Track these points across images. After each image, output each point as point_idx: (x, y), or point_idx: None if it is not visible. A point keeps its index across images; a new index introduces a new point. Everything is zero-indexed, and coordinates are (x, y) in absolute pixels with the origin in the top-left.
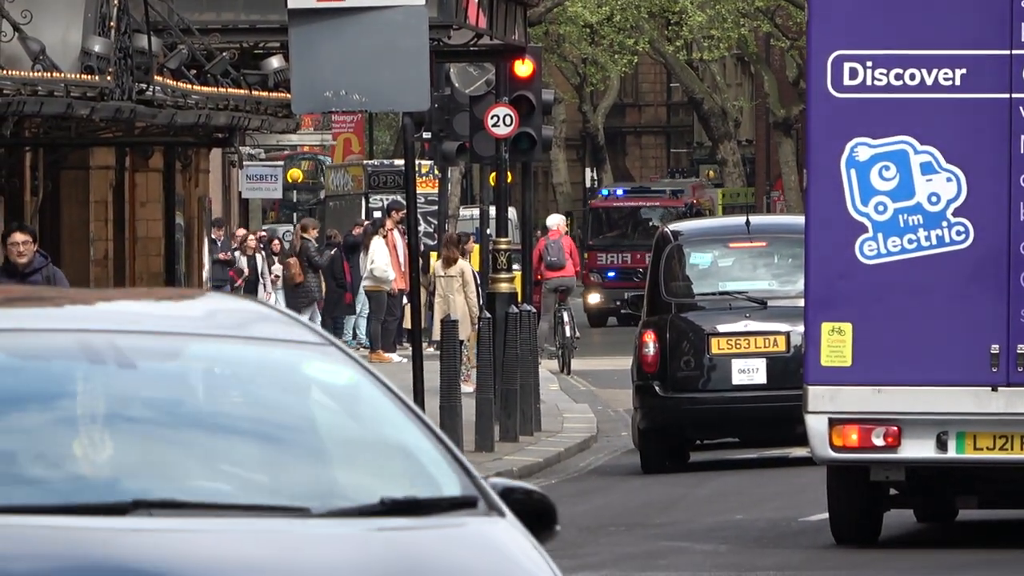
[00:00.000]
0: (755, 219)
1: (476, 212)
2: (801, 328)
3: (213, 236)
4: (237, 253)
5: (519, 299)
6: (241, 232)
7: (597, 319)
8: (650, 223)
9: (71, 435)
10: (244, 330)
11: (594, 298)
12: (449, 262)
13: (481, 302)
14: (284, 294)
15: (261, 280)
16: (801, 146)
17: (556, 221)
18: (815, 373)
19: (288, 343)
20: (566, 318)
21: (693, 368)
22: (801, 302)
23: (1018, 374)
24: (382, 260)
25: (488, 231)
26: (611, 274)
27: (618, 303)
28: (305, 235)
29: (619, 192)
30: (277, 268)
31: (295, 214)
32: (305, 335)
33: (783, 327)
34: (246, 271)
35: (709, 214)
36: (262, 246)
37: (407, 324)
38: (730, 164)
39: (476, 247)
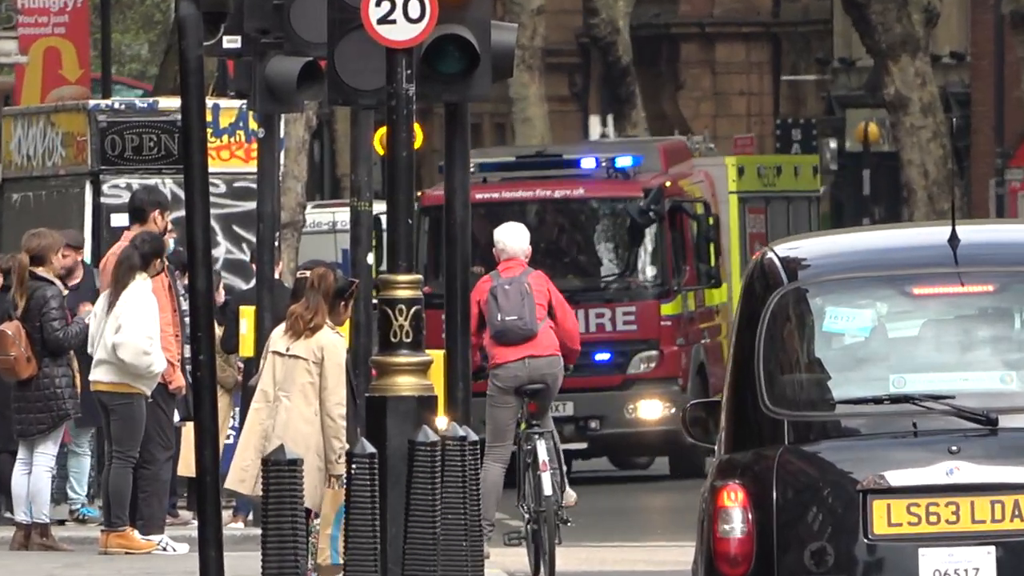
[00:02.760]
0: (968, 232)
1: (342, 216)
2: None
3: None
4: None
5: (439, 410)
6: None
7: None
8: (572, 240)
9: None
10: None
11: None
12: (302, 328)
13: (356, 423)
14: None
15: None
16: None
17: (514, 239)
18: None
19: None
20: (543, 454)
21: (832, 567)
22: None
23: None
24: (140, 327)
25: (369, 259)
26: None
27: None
28: (41, 269)
29: (487, 169)
30: None
31: None
32: None
33: None
34: None
35: (705, 216)
36: None
37: (185, 468)
38: (915, 107)
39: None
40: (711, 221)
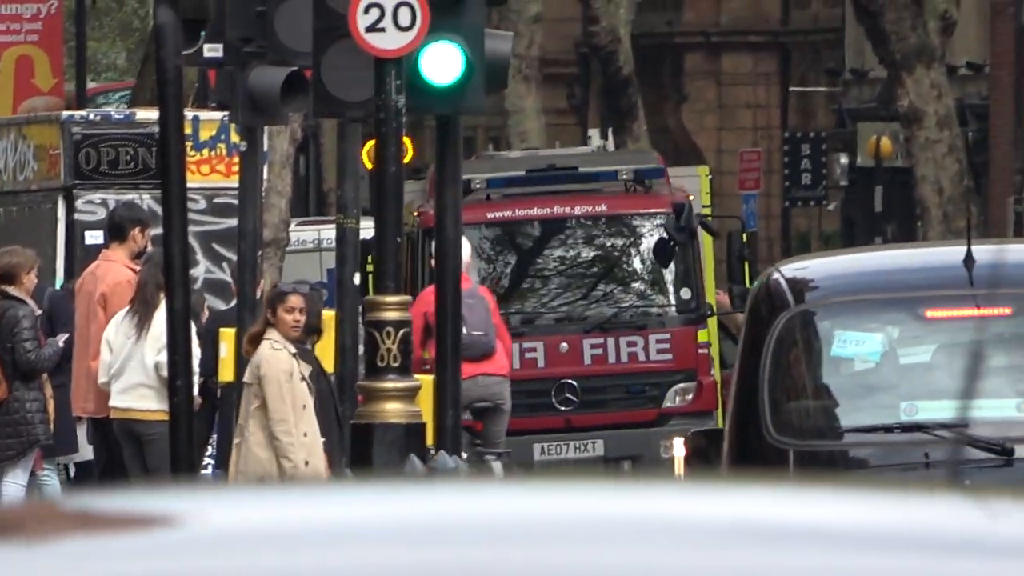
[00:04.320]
0: (985, 252)
1: (328, 234)
2: None
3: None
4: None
5: (427, 438)
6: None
7: None
8: (596, 262)
9: None
10: None
11: None
12: (246, 345)
13: (340, 448)
14: None
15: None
16: None
17: (464, 250)
18: None
19: None
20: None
21: None
22: None
23: None
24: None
25: (357, 279)
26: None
27: None
28: (12, 288)
29: (495, 185)
30: None
31: None
32: None
33: None
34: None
35: (739, 232)
36: None
37: None
38: (929, 120)
39: (331, 316)
40: (745, 237)
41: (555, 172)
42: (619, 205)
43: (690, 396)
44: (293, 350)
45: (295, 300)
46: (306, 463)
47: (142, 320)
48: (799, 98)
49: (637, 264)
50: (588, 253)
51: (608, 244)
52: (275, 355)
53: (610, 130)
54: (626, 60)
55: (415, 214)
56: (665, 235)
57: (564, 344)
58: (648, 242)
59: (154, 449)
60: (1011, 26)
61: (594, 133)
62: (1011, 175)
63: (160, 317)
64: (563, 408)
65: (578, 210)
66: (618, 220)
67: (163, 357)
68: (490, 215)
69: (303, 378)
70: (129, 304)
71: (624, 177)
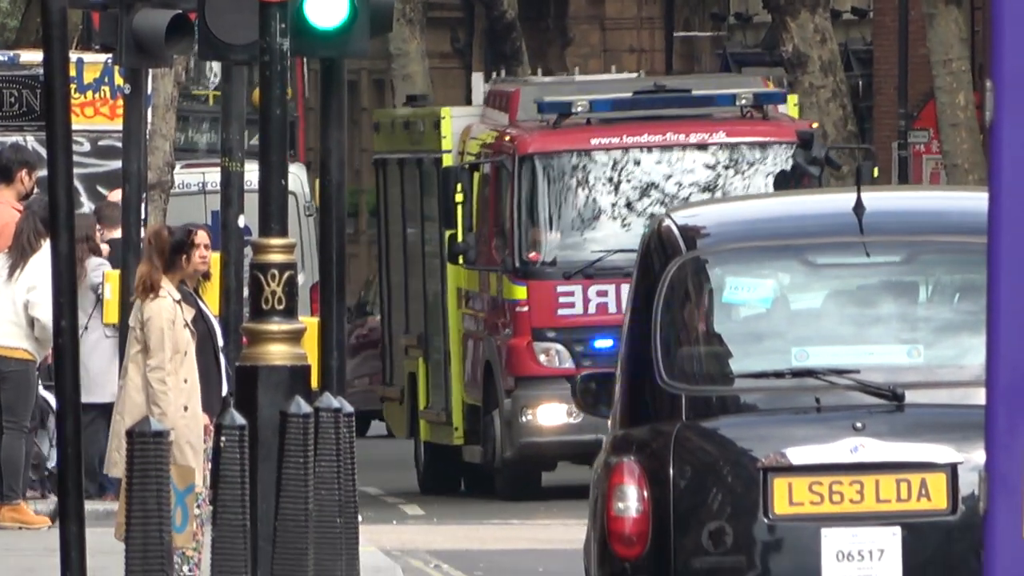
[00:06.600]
0: (874, 199)
1: (213, 178)
2: (979, 455)
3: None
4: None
5: (314, 381)
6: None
7: (548, 455)
8: (710, 194)
9: None
10: None
11: (552, 412)
12: (142, 291)
13: (227, 390)
14: None
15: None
16: (985, 26)
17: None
18: (1015, 559)
19: None
20: None
21: (731, 547)
22: (979, 394)
23: None
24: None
25: (242, 221)
26: (601, 343)
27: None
28: None
29: (599, 108)
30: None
31: None
32: None
33: (941, 453)
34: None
35: (870, 165)
36: None
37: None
38: (813, 65)
39: (216, 258)
40: (875, 174)
41: (666, 95)
42: (739, 132)
43: None
44: (177, 296)
45: (202, 236)
46: (185, 408)
47: (16, 262)
48: (683, 43)
49: None
50: (703, 185)
51: (725, 175)
52: (159, 306)
53: (494, 74)
54: (510, 4)
55: (507, 139)
56: (789, 167)
57: None
58: (768, 174)
59: (10, 385)
60: None
61: (477, 77)
62: (895, 120)
63: (36, 259)
64: None
65: (694, 137)
66: (737, 148)
67: (32, 296)
68: (594, 141)
69: (185, 324)
70: (8, 248)
71: (742, 102)
